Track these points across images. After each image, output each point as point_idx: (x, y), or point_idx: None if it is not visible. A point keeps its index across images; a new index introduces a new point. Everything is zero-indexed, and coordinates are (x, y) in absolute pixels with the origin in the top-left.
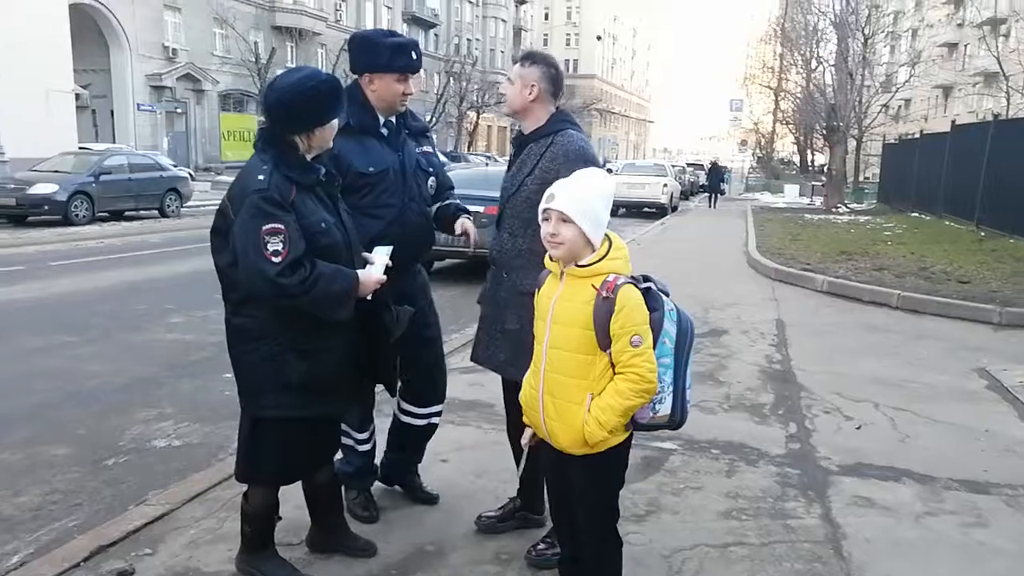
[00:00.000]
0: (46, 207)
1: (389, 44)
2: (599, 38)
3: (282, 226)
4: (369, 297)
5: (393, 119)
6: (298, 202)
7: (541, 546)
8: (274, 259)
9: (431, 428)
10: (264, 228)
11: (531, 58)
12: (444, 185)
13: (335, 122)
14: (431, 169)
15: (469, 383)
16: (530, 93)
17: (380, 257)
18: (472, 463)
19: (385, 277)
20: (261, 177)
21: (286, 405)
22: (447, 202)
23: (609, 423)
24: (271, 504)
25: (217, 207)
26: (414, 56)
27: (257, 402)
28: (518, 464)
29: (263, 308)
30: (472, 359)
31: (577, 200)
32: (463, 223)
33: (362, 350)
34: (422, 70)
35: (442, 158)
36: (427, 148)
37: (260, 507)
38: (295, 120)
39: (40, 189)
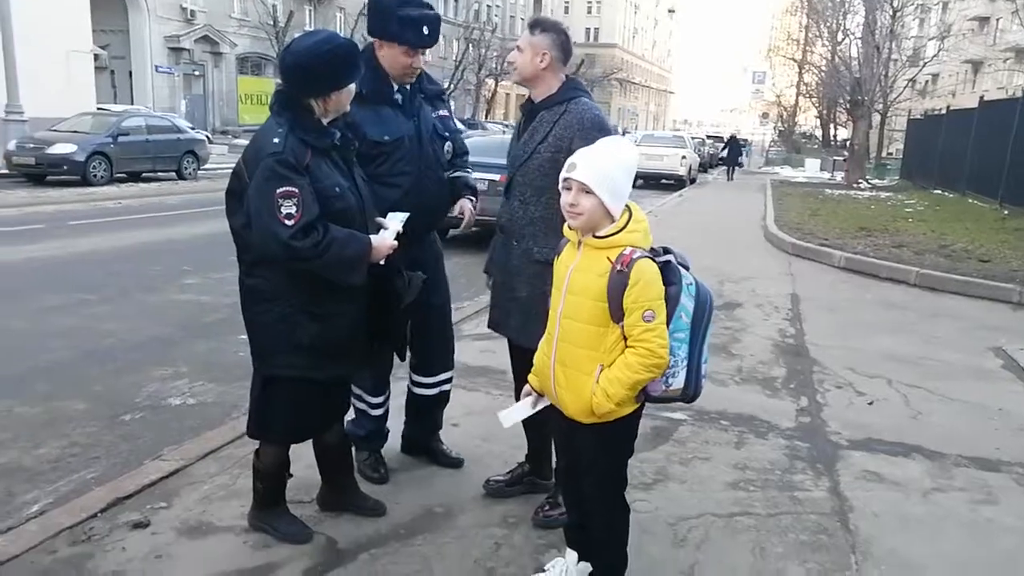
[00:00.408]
0: (65, 167)
1: (400, 15)
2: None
3: (296, 189)
4: (382, 263)
5: (408, 85)
6: (313, 166)
7: (547, 507)
8: (287, 222)
9: (443, 396)
10: (278, 191)
11: (541, 25)
12: (459, 151)
13: (352, 86)
14: (447, 134)
15: (480, 349)
16: (541, 61)
17: (394, 223)
18: (481, 428)
19: (397, 243)
20: (276, 140)
21: (297, 365)
22: (457, 174)
23: (616, 396)
24: (282, 462)
25: (232, 169)
26: (426, 32)
27: (269, 361)
28: (527, 431)
29: (276, 270)
30: (489, 325)
31: (599, 170)
32: (461, 204)
33: (373, 315)
34: (440, 36)
35: (459, 124)
36: (443, 112)
37: (271, 465)
38: (311, 84)
39: (59, 149)
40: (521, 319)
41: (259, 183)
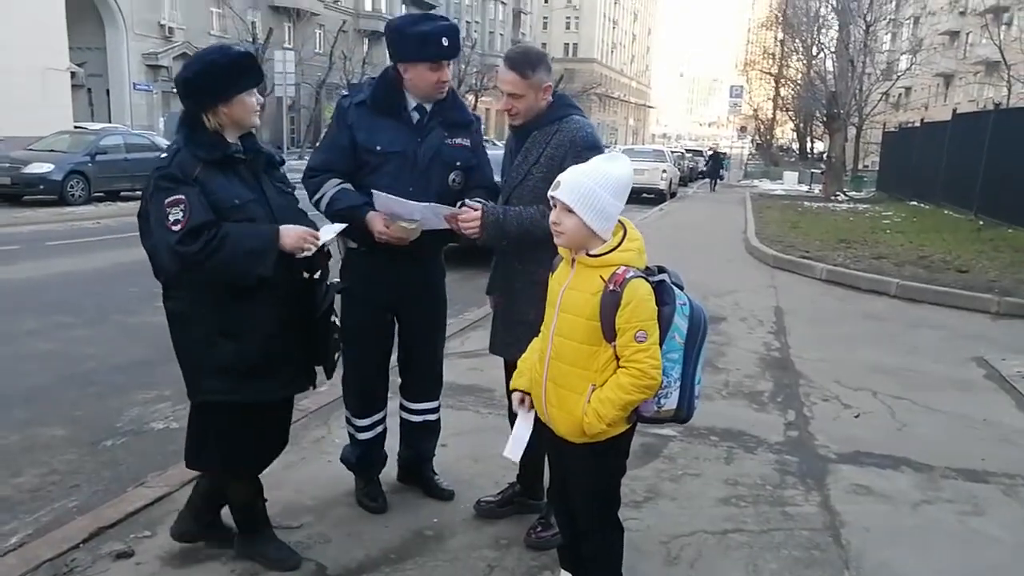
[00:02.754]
0: (41, 187)
1: (415, 33)
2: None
3: (182, 196)
4: (317, 275)
5: (428, 106)
6: (204, 178)
7: (539, 528)
8: (174, 228)
9: (429, 425)
10: (166, 202)
11: (530, 64)
12: (475, 183)
13: (248, 99)
14: (457, 163)
15: (468, 368)
16: (545, 94)
17: (325, 234)
18: (470, 448)
19: (316, 239)
20: (164, 156)
21: (219, 390)
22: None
23: (608, 416)
24: (249, 488)
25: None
26: (445, 43)
27: (194, 386)
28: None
29: (188, 289)
30: (491, 351)
31: (581, 191)
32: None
33: (298, 331)
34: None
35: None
36: (462, 141)
37: (239, 493)
38: (195, 96)
39: (35, 168)
40: (526, 344)
41: (151, 200)
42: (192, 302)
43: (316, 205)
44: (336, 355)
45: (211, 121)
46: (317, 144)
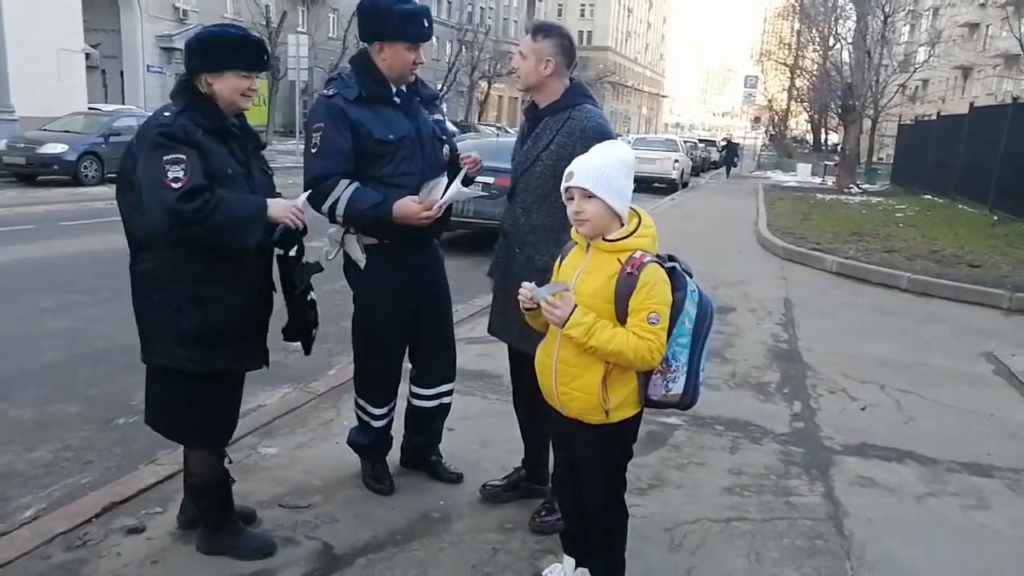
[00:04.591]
0: (55, 167)
1: (400, 12)
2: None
3: (183, 156)
4: (292, 252)
5: (404, 87)
6: (204, 144)
7: (543, 512)
8: (174, 185)
9: (444, 408)
10: (165, 158)
11: (543, 31)
12: (455, 154)
13: (235, 80)
14: (445, 137)
15: (477, 353)
16: (545, 68)
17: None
18: (478, 433)
19: (303, 211)
20: (167, 114)
21: (178, 356)
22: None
23: (593, 340)
24: (217, 468)
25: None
26: (426, 24)
27: (151, 349)
28: (524, 436)
29: (165, 251)
30: (488, 331)
31: (596, 173)
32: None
33: (265, 308)
34: (433, 37)
35: (451, 127)
36: (438, 115)
37: (208, 474)
38: (197, 56)
39: (50, 149)
40: (522, 325)
41: (147, 155)
42: (164, 266)
43: (330, 212)
44: (313, 332)
45: (206, 86)
46: (313, 151)
